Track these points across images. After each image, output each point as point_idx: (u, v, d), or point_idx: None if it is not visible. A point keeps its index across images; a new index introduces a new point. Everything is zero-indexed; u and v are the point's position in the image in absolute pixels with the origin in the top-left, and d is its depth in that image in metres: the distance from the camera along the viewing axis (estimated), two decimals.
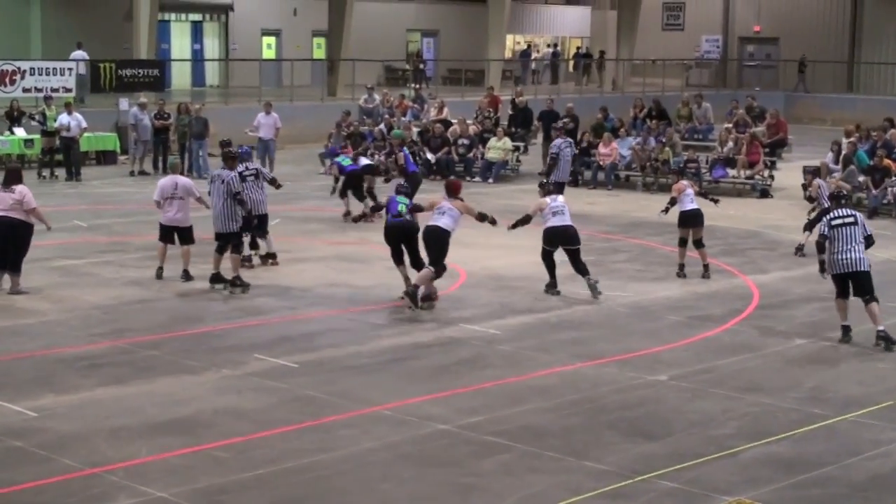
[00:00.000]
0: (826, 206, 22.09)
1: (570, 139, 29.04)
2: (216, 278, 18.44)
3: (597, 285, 18.44)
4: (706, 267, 20.31)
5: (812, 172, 23.19)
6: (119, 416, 12.49)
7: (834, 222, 16.23)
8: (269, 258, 20.22)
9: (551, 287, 18.79)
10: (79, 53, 38.56)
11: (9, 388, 13.41)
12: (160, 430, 12.14)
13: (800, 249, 22.51)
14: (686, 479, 11.07)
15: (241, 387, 13.67)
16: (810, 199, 23.09)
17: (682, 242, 20.32)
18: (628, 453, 11.75)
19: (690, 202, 20.19)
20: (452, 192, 18.06)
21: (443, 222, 17.60)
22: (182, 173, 19.50)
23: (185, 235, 19.07)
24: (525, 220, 19.07)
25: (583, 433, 12.34)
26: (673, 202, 20.31)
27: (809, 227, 22.41)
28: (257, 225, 19.77)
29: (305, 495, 10.61)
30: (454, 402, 13.23)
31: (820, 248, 16.33)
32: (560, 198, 19.21)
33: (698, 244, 20.29)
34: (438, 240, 17.55)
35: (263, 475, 10.95)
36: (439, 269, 17.57)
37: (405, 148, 26.17)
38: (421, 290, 17.48)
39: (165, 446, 11.65)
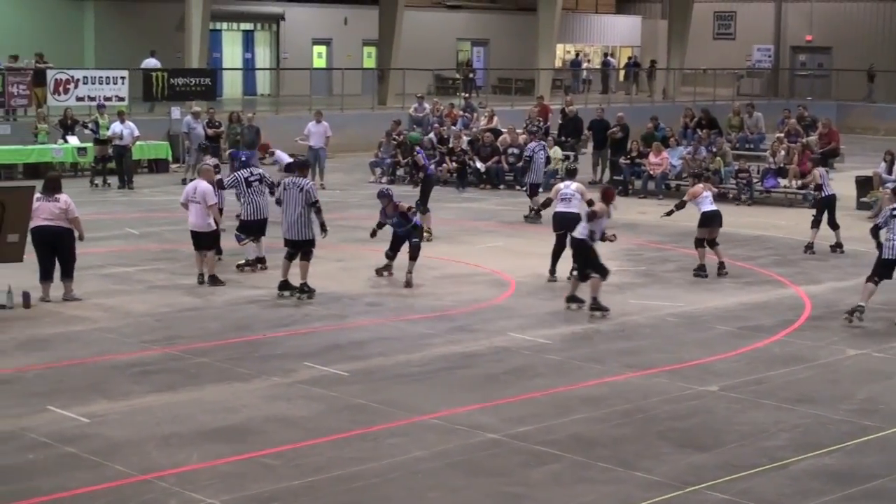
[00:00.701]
0: (825, 195, 23.15)
1: (542, 143, 29.29)
2: (285, 285, 18.59)
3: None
4: (722, 265, 20.81)
5: (814, 161, 23.69)
6: (170, 423, 12.56)
7: (895, 212, 17.37)
8: (259, 262, 20.36)
9: (551, 273, 19.93)
10: (151, 61, 39.13)
11: (62, 394, 13.51)
12: (211, 437, 12.20)
13: (809, 248, 23.05)
14: (737, 490, 11.00)
15: (291, 395, 13.71)
16: (818, 188, 23.48)
17: (700, 243, 20.79)
18: (679, 464, 11.70)
19: (710, 204, 20.74)
20: (605, 199, 18.49)
21: (579, 232, 18.01)
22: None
23: (205, 241, 19.25)
24: (546, 204, 19.58)
25: (633, 443, 12.29)
26: (681, 206, 21.11)
27: (816, 224, 23.08)
28: (257, 229, 20.20)
29: (354, 503, 10.63)
30: (503, 412, 13.22)
31: (874, 233, 17.91)
32: (574, 185, 19.83)
33: (713, 244, 20.74)
34: (580, 251, 18.04)
35: (313, 483, 10.98)
36: (602, 272, 17.94)
37: (420, 149, 26.23)
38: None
39: (216, 453, 11.70)
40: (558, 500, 10.72)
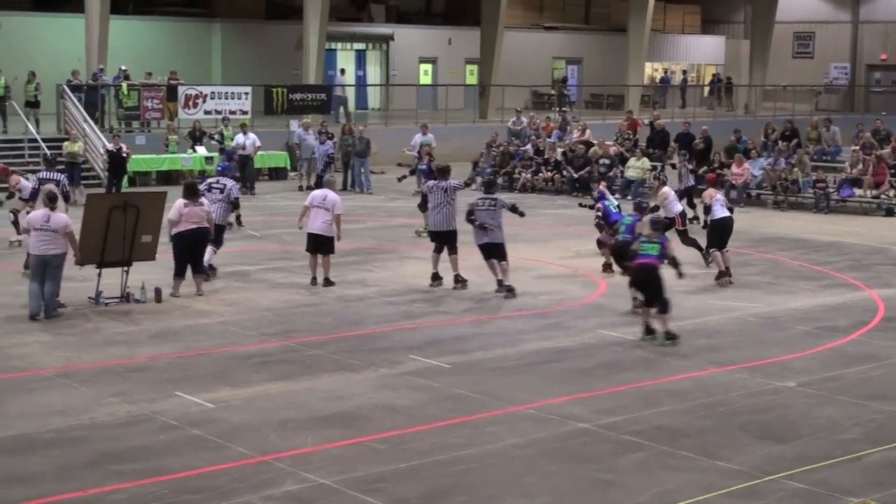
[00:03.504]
0: (686, 186, 27.12)
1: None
2: (435, 277, 19.14)
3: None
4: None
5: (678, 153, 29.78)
6: (287, 409, 12.65)
7: None
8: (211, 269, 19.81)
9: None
10: (341, 78, 39.82)
11: (189, 381, 13.68)
12: (324, 423, 12.26)
13: (695, 219, 25.63)
14: (812, 480, 10.83)
15: (398, 385, 13.74)
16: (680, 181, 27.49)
17: None
18: (758, 454, 11.55)
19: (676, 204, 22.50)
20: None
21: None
22: (345, 189, 19.87)
23: (325, 246, 19.10)
24: None
25: (715, 434, 12.15)
26: (656, 209, 21.43)
27: (691, 204, 26.69)
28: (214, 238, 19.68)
29: (454, 485, 10.62)
30: (594, 403, 13.14)
31: None
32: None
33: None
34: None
35: (416, 466, 11.00)
36: None
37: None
38: None
39: (328, 437, 11.76)
40: (644, 486, 10.63)
